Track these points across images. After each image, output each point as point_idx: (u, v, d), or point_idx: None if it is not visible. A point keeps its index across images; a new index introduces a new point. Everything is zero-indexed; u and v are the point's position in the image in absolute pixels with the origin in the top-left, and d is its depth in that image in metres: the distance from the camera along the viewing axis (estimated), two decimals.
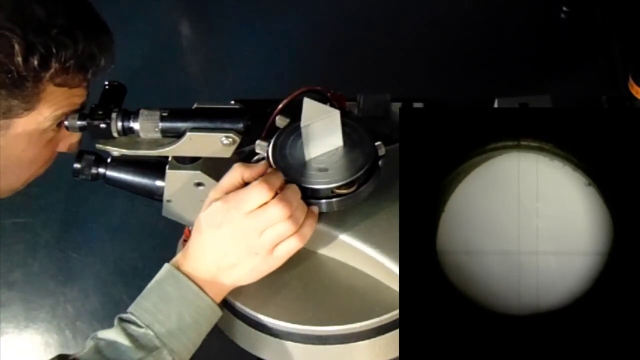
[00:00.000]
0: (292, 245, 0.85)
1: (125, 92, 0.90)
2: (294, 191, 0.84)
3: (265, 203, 0.83)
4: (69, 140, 0.89)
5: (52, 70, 0.79)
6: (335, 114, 0.85)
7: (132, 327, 0.83)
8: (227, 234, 0.83)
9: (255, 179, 0.84)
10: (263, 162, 0.86)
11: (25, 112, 0.81)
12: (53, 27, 0.78)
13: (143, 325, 0.82)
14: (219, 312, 0.86)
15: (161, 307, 0.83)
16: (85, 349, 0.83)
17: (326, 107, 0.86)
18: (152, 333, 0.82)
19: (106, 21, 0.87)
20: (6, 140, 0.83)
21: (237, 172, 0.85)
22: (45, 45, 0.78)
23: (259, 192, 0.82)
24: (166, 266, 0.86)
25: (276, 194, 0.83)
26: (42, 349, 1.82)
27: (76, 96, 0.84)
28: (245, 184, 0.84)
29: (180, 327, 0.83)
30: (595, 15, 2.07)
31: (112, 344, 0.82)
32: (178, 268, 0.85)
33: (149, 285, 0.85)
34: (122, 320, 0.84)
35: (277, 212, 0.83)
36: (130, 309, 0.84)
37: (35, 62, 0.78)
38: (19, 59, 0.77)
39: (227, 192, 0.84)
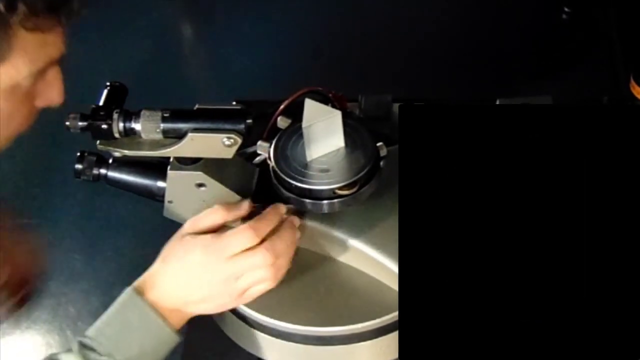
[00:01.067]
0: (264, 288, 0.86)
1: (127, 93, 0.90)
2: (283, 239, 0.86)
3: (250, 248, 0.84)
4: (48, 94, 0.84)
5: (20, 13, 0.74)
6: (337, 114, 0.85)
7: (93, 355, 0.82)
8: (202, 273, 0.84)
9: (236, 220, 0.85)
10: (246, 204, 0.87)
11: None
12: None
13: (104, 354, 0.82)
14: (178, 340, 0.85)
15: (123, 335, 0.83)
16: None
17: (328, 108, 0.86)
18: None
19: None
20: None
21: (218, 215, 0.85)
22: None
23: (245, 238, 0.84)
24: (130, 292, 0.85)
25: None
26: (44, 349, 1.82)
27: (51, 46, 0.79)
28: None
29: (140, 356, 0.83)
30: (597, 16, 2.07)
31: None
32: (142, 294, 0.84)
33: (111, 310, 0.85)
34: (83, 346, 0.83)
35: (260, 260, 0.84)
36: (91, 333, 0.83)
37: (1, 6, 0.73)
38: None
39: (204, 232, 0.85)
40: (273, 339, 0.90)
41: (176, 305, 0.85)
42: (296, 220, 0.90)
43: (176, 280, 0.85)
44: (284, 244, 0.86)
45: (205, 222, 0.86)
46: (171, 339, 0.85)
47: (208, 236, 0.85)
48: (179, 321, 0.86)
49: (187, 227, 0.87)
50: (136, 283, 0.86)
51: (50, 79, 0.83)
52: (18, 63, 0.77)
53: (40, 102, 0.85)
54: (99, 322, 0.85)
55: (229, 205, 0.87)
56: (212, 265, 0.84)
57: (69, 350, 0.83)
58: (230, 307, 0.88)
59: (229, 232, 0.85)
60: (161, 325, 0.84)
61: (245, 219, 0.88)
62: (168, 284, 0.85)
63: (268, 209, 0.87)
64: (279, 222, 0.87)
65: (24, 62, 0.77)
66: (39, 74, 0.80)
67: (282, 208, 0.88)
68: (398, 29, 2.32)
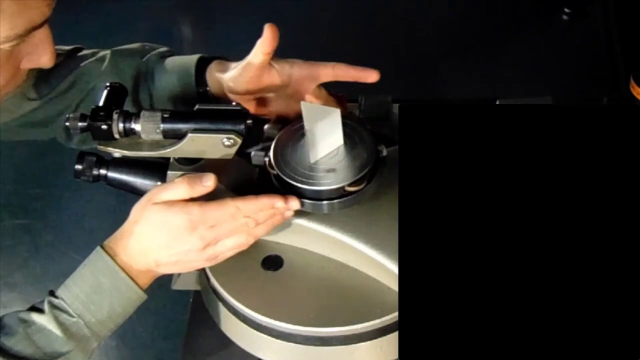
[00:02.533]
0: (236, 251, 0.87)
1: (127, 94, 0.90)
2: (268, 213, 0.86)
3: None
4: (35, 57, 0.83)
5: None
6: (336, 112, 0.85)
7: (64, 316, 0.83)
8: (182, 239, 0.84)
9: (197, 197, 0.84)
10: (210, 181, 0.85)
11: None
12: None
13: (75, 315, 0.83)
14: (145, 298, 0.87)
15: (93, 297, 0.84)
16: (13, 334, 0.82)
17: (325, 108, 0.86)
18: (82, 322, 0.83)
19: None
20: None
21: (181, 191, 0.84)
22: None
23: (229, 214, 0.84)
24: (101, 254, 0.85)
25: None
26: None
27: (33, 10, 0.78)
28: None
29: (110, 316, 0.85)
30: (597, 17, 2.07)
31: (42, 330, 0.83)
32: (114, 256, 0.85)
33: (82, 271, 0.86)
34: (53, 306, 0.84)
35: (242, 227, 0.85)
36: (61, 294, 0.85)
37: None
38: None
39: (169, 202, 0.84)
40: (273, 339, 0.90)
41: (148, 266, 0.86)
42: (294, 203, 0.87)
43: (152, 243, 0.85)
44: (268, 216, 0.86)
45: (169, 196, 0.85)
46: (140, 298, 0.86)
47: (192, 205, 0.84)
48: (148, 280, 0.87)
49: (153, 195, 0.85)
50: (107, 244, 0.86)
51: (37, 42, 0.82)
52: None
53: (28, 64, 0.84)
54: (70, 282, 0.85)
55: (192, 179, 0.85)
56: (191, 231, 0.84)
57: (40, 310, 0.84)
58: (198, 267, 0.89)
59: (215, 206, 0.84)
60: (132, 287, 0.85)
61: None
62: (142, 247, 0.85)
63: (263, 197, 0.86)
64: (268, 208, 0.86)
65: (3, 26, 0.76)
66: (21, 38, 0.78)
67: (279, 202, 0.86)
68: (398, 29, 2.32)
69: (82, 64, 1.02)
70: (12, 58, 0.81)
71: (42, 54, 0.83)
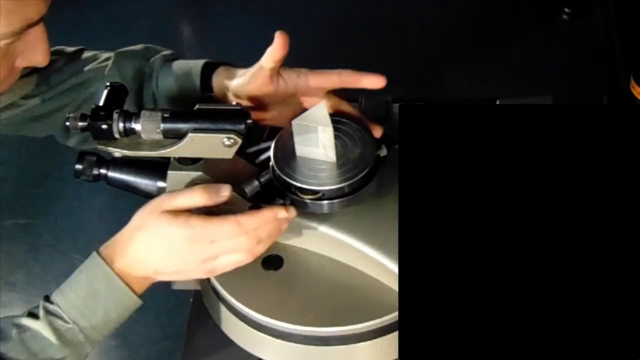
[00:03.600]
0: (235, 266, 0.87)
1: (127, 93, 0.90)
2: (268, 228, 0.85)
3: None
4: (30, 55, 0.83)
5: None
6: (328, 130, 0.85)
7: (59, 322, 0.83)
8: (183, 251, 0.84)
9: (213, 206, 0.84)
10: (226, 191, 0.85)
11: None
12: None
13: (69, 321, 0.83)
14: (140, 303, 0.86)
15: (89, 303, 0.84)
16: (7, 339, 0.82)
17: (326, 120, 0.85)
18: (77, 328, 0.83)
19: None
20: None
21: (197, 199, 0.84)
22: None
23: (230, 232, 0.83)
24: (97, 260, 0.84)
25: None
26: None
27: (29, 7, 0.77)
28: None
29: (105, 322, 0.85)
30: (597, 16, 2.07)
31: (37, 336, 0.82)
32: (111, 263, 0.84)
33: (77, 277, 0.85)
34: (48, 312, 0.83)
35: (242, 244, 0.84)
36: (57, 299, 0.84)
37: None
38: None
39: (180, 210, 0.84)
40: (273, 339, 0.90)
41: (146, 274, 0.86)
42: (292, 212, 0.87)
43: (152, 252, 0.84)
44: (268, 233, 0.86)
45: (183, 203, 0.84)
46: (135, 304, 0.86)
47: (195, 219, 0.83)
48: (144, 287, 0.87)
49: (163, 202, 0.85)
50: (104, 250, 0.85)
51: (32, 40, 0.81)
52: None
53: (22, 62, 0.84)
54: (65, 287, 0.85)
55: (209, 188, 0.85)
56: (192, 244, 0.83)
57: (35, 315, 0.84)
58: (199, 277, 0.89)
59: (217, 222, 0.83)
60: (128, 293, 0.85)
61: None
62: (141, 254, 0.85)
63: (265, 210, 0.86)
64: (271, 222, 0.86)
65: (1, 25, 0.75)
66: (17, 35, 0.78)
67: (281, 213, 0.86)
68: (398, 29, 2.32)
69: (85, 69, 1.02)
70: (7, 56, 0.81)
71: (36, 53, 0.83)
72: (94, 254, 0.85)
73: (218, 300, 0.93)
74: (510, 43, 2.22)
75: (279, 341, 0.90)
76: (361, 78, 0.92)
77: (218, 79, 0.97)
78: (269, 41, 0.90)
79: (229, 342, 0.95)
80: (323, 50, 2.22)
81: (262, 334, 0.90)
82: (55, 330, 0.82)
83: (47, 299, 0.85)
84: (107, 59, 1.02)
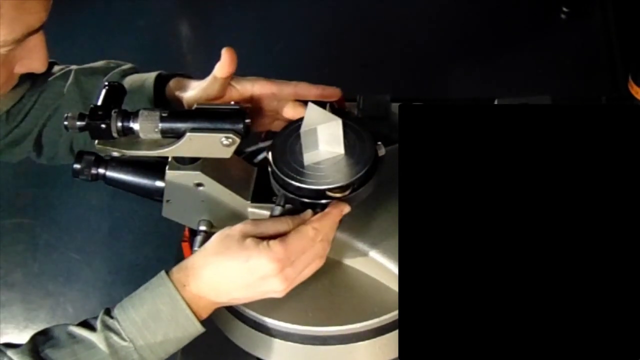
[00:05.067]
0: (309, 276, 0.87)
1: (125, 93, 0.90)
2: (335, 228, 0.86)
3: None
4: (29, 62, 0.83)
5: None
6: (337, 122, 0.85)
7: (115, 338, 0.81)
8: (263, 280, 0.82)
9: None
10: (308, 215, 0.86)
11: None
12: None
13: (127, 339, 0.81)
14: (202, 331, 0.84)
15: (150, 323, 0.82)
16: (60, 347, 0.80)
17: (329, 115, 0.85)
18: (133, 347, 0.81)
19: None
20: None
21: (284, 226, 0.84)
22: None
23: (310, 240, 0.83)
24: (166, 281, 0.83)
25: None
26: None
27: (31, 14, 0.77)
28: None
29: (162, 344, 0.82)
30: (596, 16, 2.07)
31: (90, 349, 0.81)
32: (179, 288, 0.82)
33: (142, 294, 0.83)
34: (106, 326, 0.81)
35: (320, 250, 0.85)
36: (117, 314, 0.82)
37: None
38: None
39: (267, 236, 0.83)
40: (272, 339, 0.90)
41: (218, 301, 0.84)
42: (346, 208, 0.86)
43: (230, 281, 0.82)
44: (332, 231, 0.86)
45: (270, 230, 0.84)
46: (196, 331, 0.84)
47: (274, 244, 0.82)
48: (207, 313, 0.85)
49: (247, 228, 0.84)
50: (175, 272, 0.83)
51: (31, 46, 0.81)
52: None
53: (20, 69, 0.84)
54: (127, 304, 0.83)
55: (294, 217, 0.85)
56: (279, 275, 0.82)
57: (90, 327, 0.82)
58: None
59: (294, 237, 0.82)
60: (192, 320, 0.82)
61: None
62: (218, 282, 0.83)
63: (331, 208, 0.85)
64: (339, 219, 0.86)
65: (1, 31, 0.75)
66: (17, 42, 0.78)
67: (347, 208, 0.86)
68: (397, 29, 2.32)
69: (43, 93, 1.01)
70: (6, 63, 0.81)
71: (35, 59, 0.83)
72: (162, 273, 0.83)
73: None
74: (509, 43, 2.22)
75: (278, 341, 0.90)
76: (317, 90, 0.94)
77: (170, 91, 0.97)
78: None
79: (228, 342, 0.95)
80: (322, 49, 2.21)
81: (261, 334, 0.90)
82: (110, 346, 0.80)
83: (107, 312, 0.83)
84: (67, 75, 1.02)
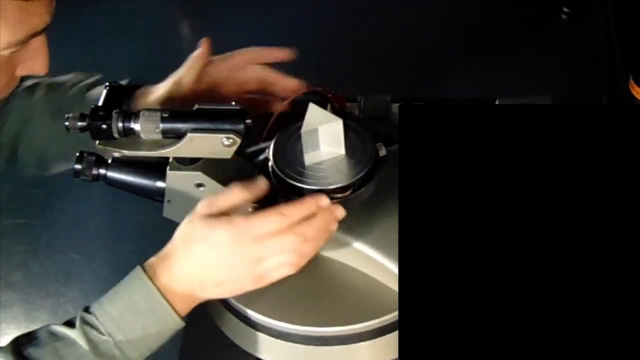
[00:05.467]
0: (285, 273, 0.84)
1: (126, 93, 0.90)
2: (314, 225, 0.83)
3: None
4: (31, 64, 0.83)
5: None
6: (338, 122, 0.85)
7: (94, 333, 0.81)
8: (227, 254, 0.81)
9: (254, 200, 0.83)
10: (263, 182, 0.85)
11: None
12: None
13: (105, 333, 0.81)
14: (183, 325, 0.84)
15: (127, 316, 0.81)
16: (41, 346, 0.81)
17: (330, 115, 0.86)
18: (112, 341, 0.81)
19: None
20: None
21: (236, 195, 0.83)
22: None
23: (274, 222, 0.81)
24: (140, 273, 0.83)
25: None
26: None
27: (35, 16, 0.77)
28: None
29: (142, 338, 0.82)
30: (596, 16, 2.07)
31: (71, 345, 0.81)
32: (152, 278, 0.82)
33: (118, 289, 0.83)
34: (84, 322, 0.82)
35: (288, 243, 0.82)
36: (94, 309, 0.82)
37: None
38: None
39: (223, 212, 0.82)
40: (272, 339, 0.90)
41: (189, 290, 0.83)
42: (340, 212, 0.85)
43: (196, 263, 0.82)
44: (315, 230, 0.83)
45: (224, 202, 0.83)
46: (176, 325, 0.83)
47: (236, 217, 0.81)
48: (188, 306, 0.84)
49: (202, 208, 0.83)
50: (148, 264, 0.84)
51: (33, 49, 0.81)
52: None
53: (22, 71, 0.84)
54: (104, 299, 0.83)
55: (246, 183, 0.84)
56: (238, 246, 0.81)
57: (71, 324, 0.82)
58: (244, 291, 0.85)
59: (259, 214, 0.82)
60: (168, 311, 0.82)
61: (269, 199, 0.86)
62: (185, 268, 0.82)
63: (307, 197, 0.84)
64: (314, 211, 0.83)
65: (5, 33, 0.76)
66: (21, 44, 0.78)
67: (323, 200, 0.84)
68: (397, 29, 2.32)
69: (17, 91, 1.01)
70: (8, 65, 0.81)
71: (37, 62, 0.83)
72: (137, 266, 0.83)
73: (218, 301, 0.93)
74: (509, 43, 2.22)
75: (278, 341, 0.90)
76: (268, 52, 1.02)
77: (137, 99, 0.98)
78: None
79: (229, 342, 0.95)
80: (322, 49, 2.21)
81: (261, 334, 0.90)
82: (90, 341, 0.80)
83: (86, 309, 0.83)
84: (36, 87, 1.02)
